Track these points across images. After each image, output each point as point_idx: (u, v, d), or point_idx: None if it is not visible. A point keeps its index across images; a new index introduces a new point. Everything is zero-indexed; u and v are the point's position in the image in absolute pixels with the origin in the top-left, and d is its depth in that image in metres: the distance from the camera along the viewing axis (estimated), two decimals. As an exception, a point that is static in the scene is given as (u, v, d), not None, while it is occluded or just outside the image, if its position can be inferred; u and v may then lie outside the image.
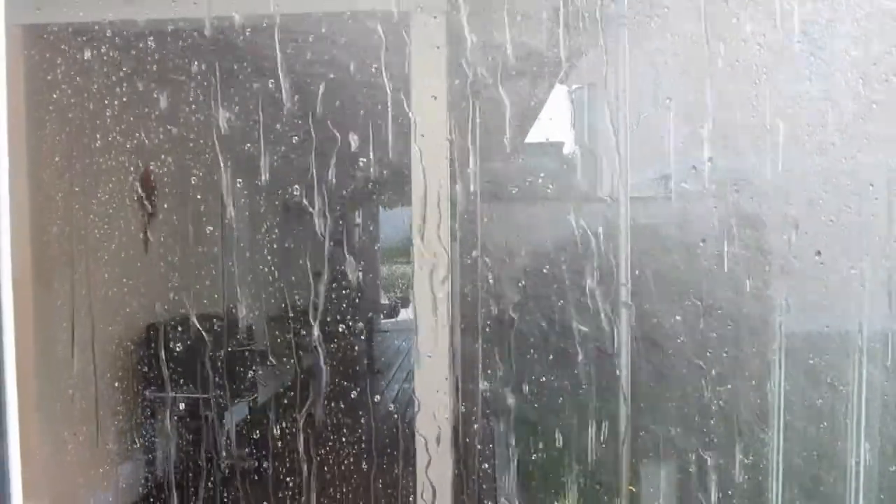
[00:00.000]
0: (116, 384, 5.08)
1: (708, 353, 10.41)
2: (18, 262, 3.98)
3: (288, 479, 5.78)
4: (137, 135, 5.25)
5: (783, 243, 12.71)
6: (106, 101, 4.84)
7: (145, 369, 5.22)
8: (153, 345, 5.14)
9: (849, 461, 5.66)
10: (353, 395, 8.75)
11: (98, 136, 4.80)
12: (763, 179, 13.13)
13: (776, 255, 12.53)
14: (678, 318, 10.45)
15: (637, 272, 3.89)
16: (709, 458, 6.56)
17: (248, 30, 6.35)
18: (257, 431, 6.13)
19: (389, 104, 7.98)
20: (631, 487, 3.95)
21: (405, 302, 17.79)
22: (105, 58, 4.68)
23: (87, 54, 4.55)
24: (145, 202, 5.41)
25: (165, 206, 5.67)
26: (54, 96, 4.36)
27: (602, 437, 7.27)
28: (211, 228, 6.78)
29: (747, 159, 12.72)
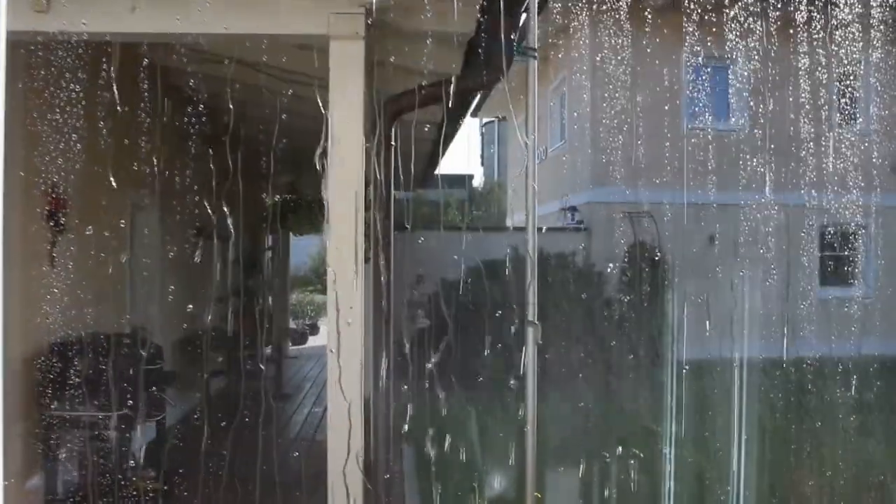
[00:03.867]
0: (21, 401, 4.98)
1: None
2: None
3: (192, 499, 5.74)
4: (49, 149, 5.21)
5: (679, 269, 13.10)
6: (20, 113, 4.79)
7: (49, 387, 5.12)
8: (58, 362, 5.06)
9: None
10: (260, 419, 8.70)
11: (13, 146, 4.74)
12: (670, 209, 13.54)
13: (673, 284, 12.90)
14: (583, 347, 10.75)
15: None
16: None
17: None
18: (164, 451, 6.07)
19: (306, 128, 8.06)
20: (537, 494, 4.09)
21: (314, 329, 17.74)
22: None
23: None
24: (53, 218, 5.35)
25: (75, 223, 5.61)
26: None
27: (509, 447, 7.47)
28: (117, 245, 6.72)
29: (654, 191, 13.14)
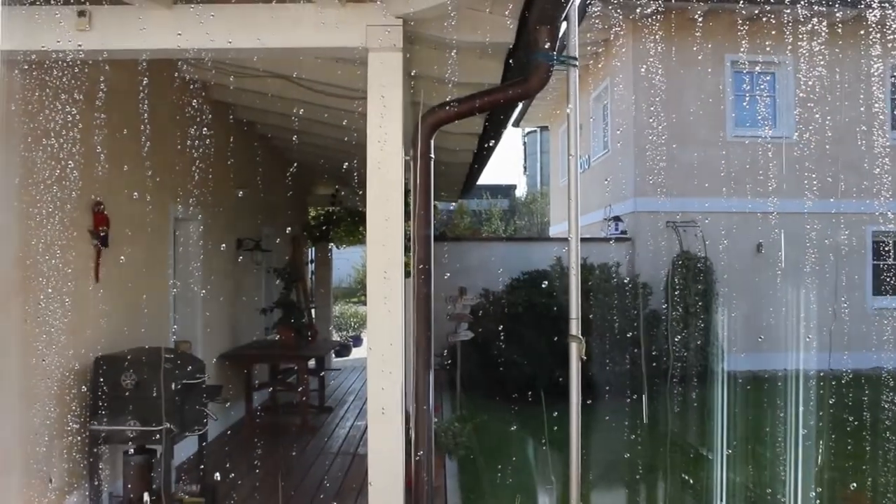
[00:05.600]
0: (63, 414, 5.01)
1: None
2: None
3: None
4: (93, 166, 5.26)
5: (729, 280, 12.84)
6: (64, 132, 4.85)
7: (93, 401, 5.15)
8: (102, 377, 5.08)
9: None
10: (303, 432, 8.72)
11: (53, 165, 4.80)
12: (714, 217, 13.30)
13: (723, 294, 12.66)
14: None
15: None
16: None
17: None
18: (206, 464, 6.08)
19: (348, 140, 8.08)
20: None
21: (357, 340, 17.75)
22: (66, 88, 4.71)
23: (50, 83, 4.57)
24: (97, 235, 5.39)
25: (117, 239, 5.65)
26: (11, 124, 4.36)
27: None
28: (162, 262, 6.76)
29: (699, 199, 12.93)
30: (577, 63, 3.87)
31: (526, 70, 4.04)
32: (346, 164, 10.75)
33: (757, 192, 13.37)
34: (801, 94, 14.31)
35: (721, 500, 6.35)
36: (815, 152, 13.80)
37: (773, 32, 13.47)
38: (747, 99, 14.84)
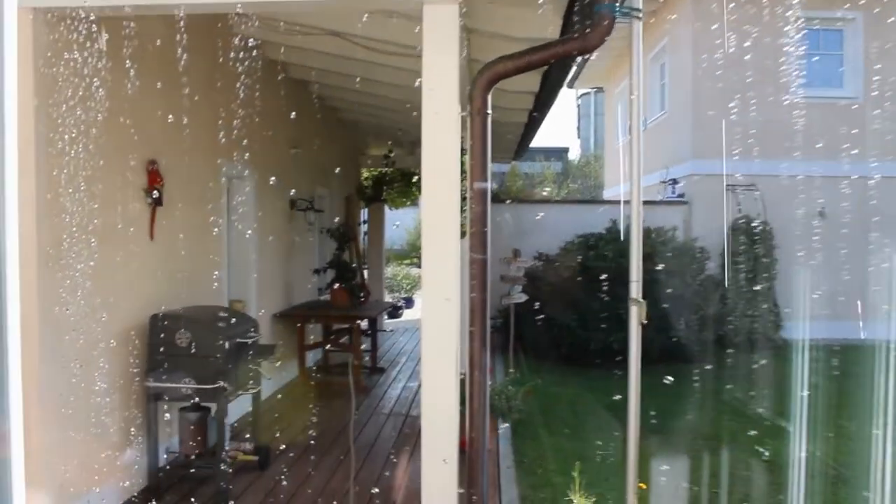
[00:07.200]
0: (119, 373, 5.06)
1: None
2: (25, 251, 3.98)
3: (294, 470, 5.77)
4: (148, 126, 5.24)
5: (789, 245, 12.49)
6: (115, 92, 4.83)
7: (148, 358, 5.18)
8: (157, 334, 5.11)
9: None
10: (356, 391, 8.75)
11: (108, 126, 4.79)
12: (774, 181, 12.92)
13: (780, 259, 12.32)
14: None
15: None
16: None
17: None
18: (259, 423, 6.12)
19: (402, 99, 7.96)
20: (642, 485, 3.90)
21: (410, 302, 17.79)
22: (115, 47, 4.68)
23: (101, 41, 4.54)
24: (152, 193, 5.39)
25: (172, 197, 5.65)
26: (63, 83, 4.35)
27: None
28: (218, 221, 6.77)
29: (760, 162, 12.56)
30: (642, 15, 3.69)
31: (586, 24, 3.88)
32: (400, 124, 10.67)
33: (821, 155, 12.93)
34: (872, 52, 13.76)
35: (799, 474, 6.18)
36: (883, 113, 13.28)
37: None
38: (814, 58, 14.33)
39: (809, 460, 6.49)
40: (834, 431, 7.26)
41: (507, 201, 15.75)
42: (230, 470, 5.35)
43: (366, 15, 5.52)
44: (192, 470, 5.38)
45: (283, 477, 5.76)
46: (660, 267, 10.69)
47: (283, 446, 6.43)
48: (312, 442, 6.69)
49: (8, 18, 1.33)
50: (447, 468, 3.70)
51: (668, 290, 10.61)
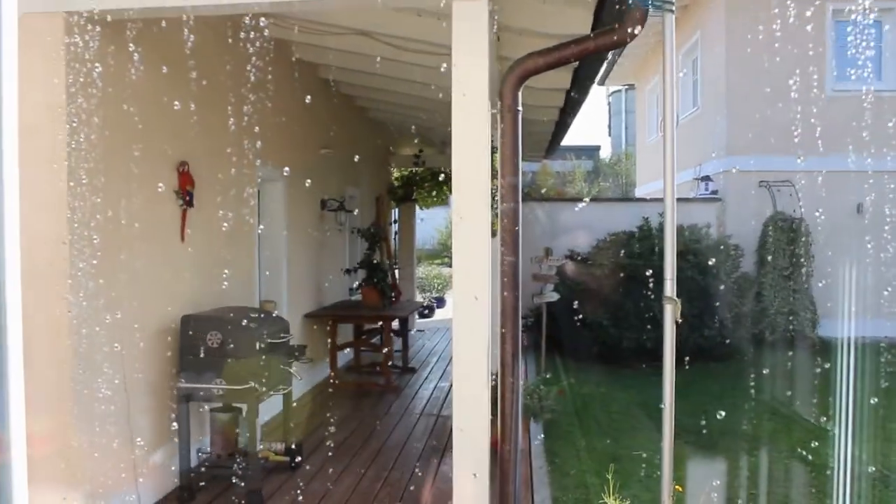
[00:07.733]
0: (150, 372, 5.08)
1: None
2: (53, 253, 4.00)
3: (325, 470, 5.77)
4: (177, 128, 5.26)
5: (827, 242, 12.30)
6: (145, 94, 4.85)
7: (180, 359, 5.19)
8: (188, 335, 5.12)
9: None
10: (387, 391, 8.74)
11: (138, 127, 4.81)
12: (809, 177, 12.69)
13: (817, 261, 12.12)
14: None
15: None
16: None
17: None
18: (291, 423, 6.11)
19: (432, 98, 7.92)
20: (678, 487, 3.83)
21: (441, 302, 17.75)
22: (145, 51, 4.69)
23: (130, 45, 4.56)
24: (183, 195, 5.41)
25: (203, 199, 5.66)
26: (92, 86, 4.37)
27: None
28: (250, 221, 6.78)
29: (795, 158, 12.34)
30: (674, 8, 3.62)
31: (616, 19, 3.81)
32: (430, 124, 10.64)
33: (858, 150, 12.68)
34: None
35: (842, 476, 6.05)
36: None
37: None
38: (850, 51, 14.05)
39: (854, 463, 6.35)
40: (881, 434, 7.10)
41: (539, 199, 15.67)
42: (262, 471, 5.35)
43: (398, 14, 5.50)
44: (224, 470, 5.38)
45: (314, 478, 5.75)
46: (694, 265, 10.56)
47: (315, 447, 6.43)
48: (344, 442, 6.68)
49: (8, 18, 1.30)
50: (478, 483, 3.67)
51: (703, 288, 10.47)
